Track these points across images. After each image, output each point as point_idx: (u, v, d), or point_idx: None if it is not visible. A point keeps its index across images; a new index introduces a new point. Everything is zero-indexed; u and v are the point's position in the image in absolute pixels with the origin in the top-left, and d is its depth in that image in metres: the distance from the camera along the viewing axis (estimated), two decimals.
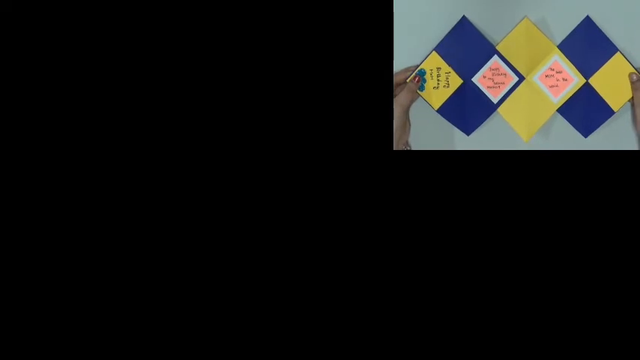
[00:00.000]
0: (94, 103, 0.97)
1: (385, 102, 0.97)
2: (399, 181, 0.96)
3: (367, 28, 0.97)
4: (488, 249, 0.95)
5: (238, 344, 0.96)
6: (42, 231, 0.96)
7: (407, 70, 0.91)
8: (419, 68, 0.90)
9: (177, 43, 0.98)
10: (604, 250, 0.94)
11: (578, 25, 0.88)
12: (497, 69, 0.89)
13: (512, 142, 0.93)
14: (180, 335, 0.96)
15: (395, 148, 0.88)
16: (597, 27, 0.87)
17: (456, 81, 0.90)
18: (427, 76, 0.90)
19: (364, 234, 0.96)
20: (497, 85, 0.89)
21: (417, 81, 0.90)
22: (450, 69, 0.90)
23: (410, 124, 0.90)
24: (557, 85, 0.89)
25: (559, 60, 0.88)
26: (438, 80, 0.90)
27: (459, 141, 0.93)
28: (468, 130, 0.91)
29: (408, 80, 0.91)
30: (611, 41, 0.87)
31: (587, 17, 0.87)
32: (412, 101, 0.89)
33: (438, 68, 0.90)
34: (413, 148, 0.96)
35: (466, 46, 0.89)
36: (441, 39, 0.91)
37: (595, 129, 0.89)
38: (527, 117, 0.90)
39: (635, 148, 0.91)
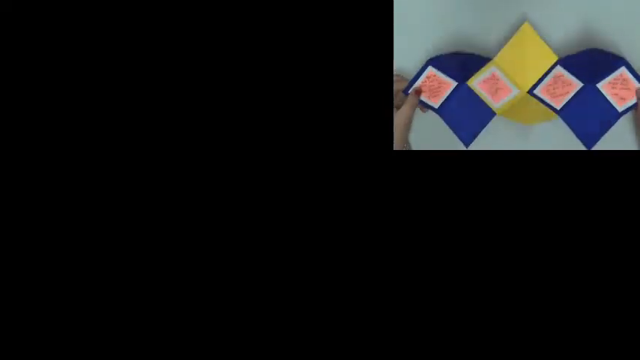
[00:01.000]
0: (94, 103, 0.97)
1: (385, 102, 0.97)
2: (399, 181, 0.96)
3: (367, 28, 0.97)
4: (489, 249, 0.95)
5: (238, 344, 0.96)
6: (42, 231, 0.97)
7: (402, 78, 0.91)
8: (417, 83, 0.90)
9: (176, 42, 0.98)
10: (604, 251, 0.94)
11: (584, 51, 0.86)
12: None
13: (512, 142, 0.93)
14: (180, 335, 0.96)
15: (396, 147, 0.88)
16: (602, 51, 0.86)
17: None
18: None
19: (364, 234, 0.96)
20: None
21: (417, 94, 0.89)
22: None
23: (410, 130, 0.90)
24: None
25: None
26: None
27: (459, 141, 0.94)
28: (467, 139, 0.90)
29: (409, 92, 0.90)
30: (619, 56, 0.85)
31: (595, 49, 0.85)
32: (413, 113, 0.88)
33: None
34: (413, 148, 0.96)
35: (461, 60, 0.88)
36: (440, 38, 0.91)
37: (599, 137, 0.86)
38: (529, 117, 0.90)
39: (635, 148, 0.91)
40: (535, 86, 0.87)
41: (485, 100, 0.88)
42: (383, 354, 0.95)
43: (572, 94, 0.86)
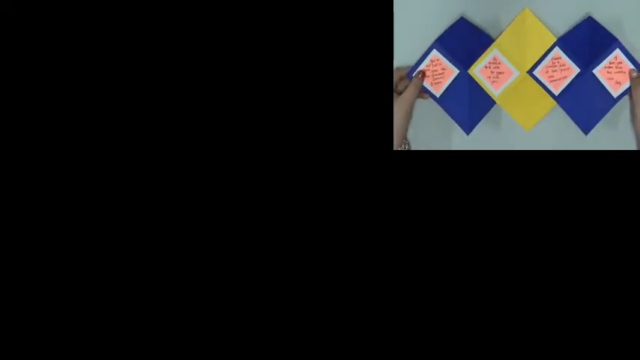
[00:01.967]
0: (93, 103, 0.97)
1: (385, 102, 0.97)
2: (399, 181, 0.96)
3: (367, 27, 0.97)
4: (489, 249, 0.95)
5: (238, 344, 0.96)
6: (42, 231, 0.96)
7: (406, 67, 0.92)
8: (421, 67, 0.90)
9: (176, 42, 0.98)
10: (604, 251, 0.95)
11: (580, 23, 0.88)
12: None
13: (512, 142, 0.94)
14: (180, 335, 0.96)
15: (395, 143, 0.88)
16: (599, 24, 0.87)
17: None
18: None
19: (364, 234, 0.96)
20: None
21: (422, 76, 0.90)
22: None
23: (411, 119, 0.90)
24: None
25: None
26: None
27: (459, 141, 0.94)
28: (468, 127, 0.91)
29: (413, 75, 0.90)
30: (613, 36, 0.86)
31: (590, 18, 0.87)
32: (416, 97, 0.89)
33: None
34: (413, 148, 0.96)
35: (465, 41, 0.89)
36: (439, 37, 0.91)
37: (596, 122, 0.88)
38: (528, 108, 0.90)
39: (633, 147, 0.91)
40: (534, 67, 0.88)
41: (485, 88, 0.89)
42: (383, 354, 0.95)
43: (569, 79, 0.88)
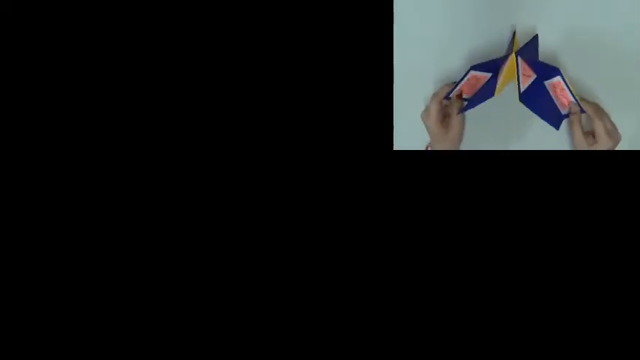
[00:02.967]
0: (94, 103, 0.97)
1: (385, 102, 0.97)
2: (399, 181, 0.96)
3: (367, 27, 0.97)
4: (489, 249, 0.95)
5: (238, 344, 0.96)
6: (41, 231, 0.96)
7: (446, 85, 0.91)
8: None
9: (176, 42, 0.98)
10: (604, 251, 0.95)
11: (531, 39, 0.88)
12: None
13: (512, 142, 0.94)
14: (180, 335, 0.96)
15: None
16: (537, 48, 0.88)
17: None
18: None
19: (364, 234, 0.96)
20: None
21: (459, 98, 0.90)
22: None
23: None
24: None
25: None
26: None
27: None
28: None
29: (451, 96, 0.91)
30: (551, 66, 0.87)
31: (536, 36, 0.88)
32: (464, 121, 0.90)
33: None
34: (412, 148, 0.96)
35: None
36: (441, 38, 0.91)
37: (562, 120, 0.88)
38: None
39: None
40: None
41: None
42: (383, 353, 0.95)
43: (530, 82, 0.87)
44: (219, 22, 0.98)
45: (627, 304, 0.94)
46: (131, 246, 0.97)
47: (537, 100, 0.87)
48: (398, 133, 0.96)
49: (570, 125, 0.88)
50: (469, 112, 0.90)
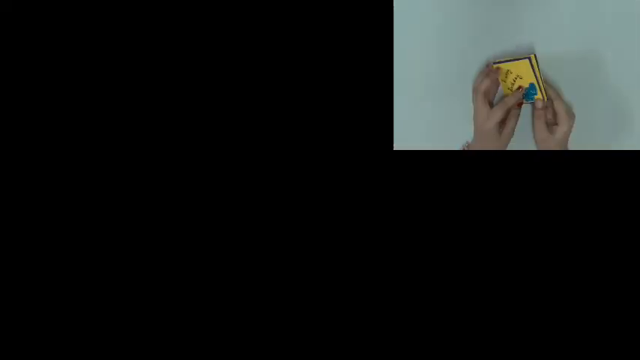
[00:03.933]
0: (93, 103, 0.97)
1: (385, 102, 0.97)
2: (399, 181, 0.96)
3: (367, 26, 0.97)
4: (489, 249, 0.95)
5: (238, 344, 0.96)
6: (41, 231, 0.96)
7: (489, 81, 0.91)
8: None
9: (176, 42, 0.98)
10: (604, 251, 0.95)
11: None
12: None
13: (512, 142, 0.94)
14: (180, 335, 0.96)
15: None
16: None
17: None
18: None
19: (364, 234, 0.96)
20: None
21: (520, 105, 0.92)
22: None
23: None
24: None
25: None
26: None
27: (459, 140, 0.94)
28: None
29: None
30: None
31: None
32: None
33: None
34: (412, 148, 0.96)
35: None
36: (441, 38, 0.91)
37: None
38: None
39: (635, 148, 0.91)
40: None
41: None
42: (383, 354, 0.95)
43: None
44: (220, 22, 0.98)
45: (627, 304, 0.94)
46: (131, 246, 0.97)
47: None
48: (398, 133, 0.96)
49: (535, 118, 0.90)
50: (468, 113, 0.90)
